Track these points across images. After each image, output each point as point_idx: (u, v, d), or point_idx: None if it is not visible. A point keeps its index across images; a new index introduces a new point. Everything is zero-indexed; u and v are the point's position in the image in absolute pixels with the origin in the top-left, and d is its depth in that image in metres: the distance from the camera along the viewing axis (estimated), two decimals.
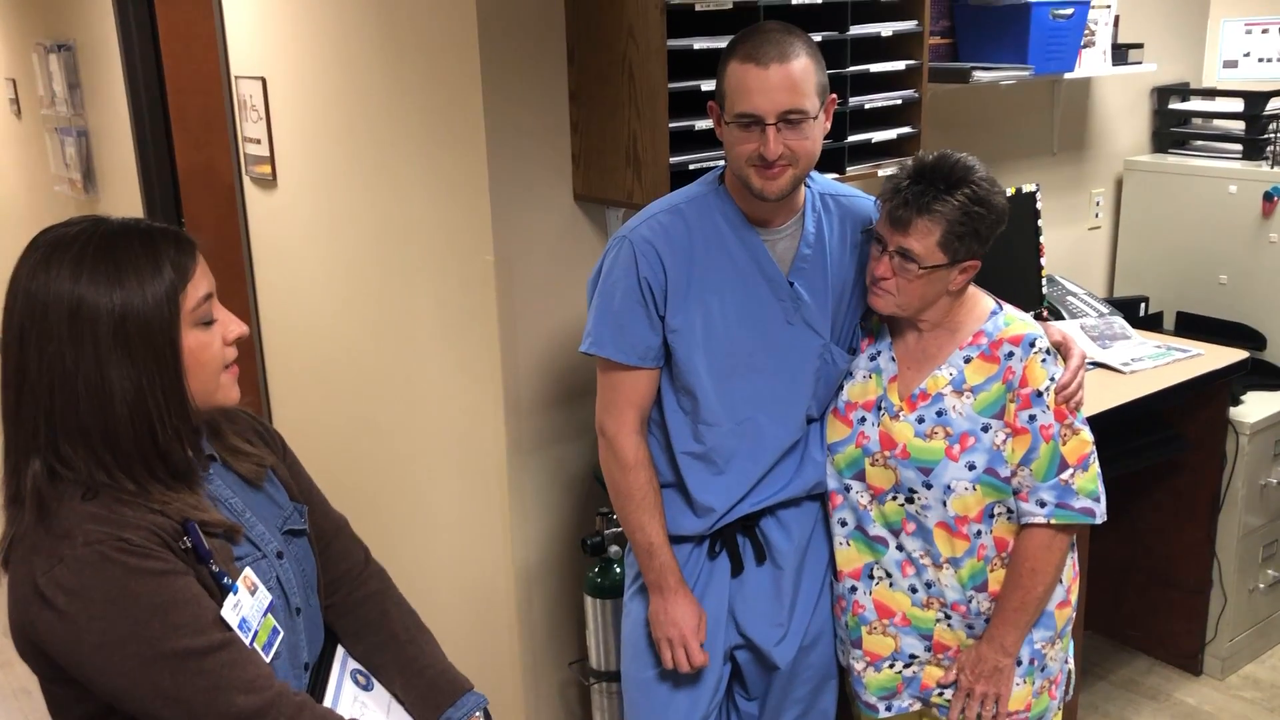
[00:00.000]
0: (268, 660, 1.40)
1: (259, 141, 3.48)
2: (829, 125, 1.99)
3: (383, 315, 3.06)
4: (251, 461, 1.53)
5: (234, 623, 1.36)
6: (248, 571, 1.42)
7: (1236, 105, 3.75)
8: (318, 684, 1.57)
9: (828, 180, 2.16)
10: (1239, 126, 3.75)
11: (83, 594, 1.26)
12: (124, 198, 4.74)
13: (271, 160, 3.44)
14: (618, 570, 2.57)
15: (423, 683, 1.68)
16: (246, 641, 1.37)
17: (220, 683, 1.31)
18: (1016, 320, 2.04)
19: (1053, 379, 1.98)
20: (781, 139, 1.88)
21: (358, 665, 1.68)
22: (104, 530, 1.29)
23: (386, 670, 1.68)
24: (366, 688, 1.64)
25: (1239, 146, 3.74)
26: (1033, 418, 1.97)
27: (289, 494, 1.60)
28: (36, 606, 1.28)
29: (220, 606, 1.35)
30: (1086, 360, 2.11)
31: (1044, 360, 1.99)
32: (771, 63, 1.86)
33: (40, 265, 1.32)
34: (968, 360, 2.02)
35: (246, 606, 1.39)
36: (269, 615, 1.43)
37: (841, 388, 2.15)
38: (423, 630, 1.74)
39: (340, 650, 1.67)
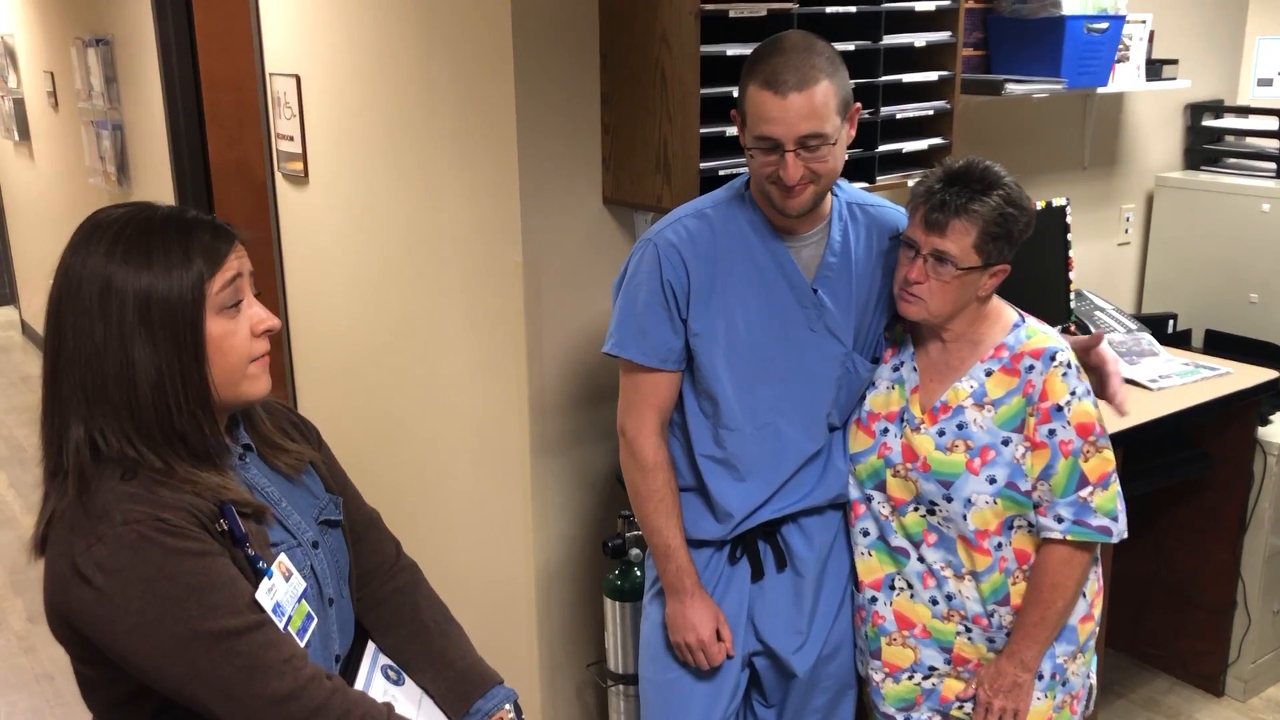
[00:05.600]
0: (301, 646, 1.41)
1: (292, 138, 3.51)
2: (854, 133, 1.98)
3: (410, 313, 3.07)
4: (290, 457, 1.55)
5: (268, 606, 1.37)
6: (282, 557, 1.43)
7: (1271, 123, 3.73)
8: (348, 677, 1.57)
9: (855, 189, 2.16)
10: (1273, 145, 3.72)
11: (120, 573, 1.28)
12: (157, 191, 4.78)
13: (304, 157, 3.47)
14: (638, 573, 2.57)
15: (452, 674, 1.68)
16: (280, 626, 1.38)
17: (255, 663, 1.32)
18: (1038, 333, 2.03)
19: (1074, 393, 1.97)
20: (801, 162, 1.89)
21: (388, 661, 1.68)
22: (142, 510, 1.31)
23: (416, 662, 1.69)
24: (397, 682, 1.65)
25: (1273, 165, 3.71)
26: (1052, 432, 1.96)
27: (325, 486, 1.62)
28: (74, 585, 1.29)
29: (255, 590, 1.36)
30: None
31: (1064, 374, 1.97)
32: (790, 92, 1.84)
33: (81, 242, 1.37)
34: (989, 373, 2.02)
35: (281, 591, 1.40)
36: (303, 601, 1.44)
37: (864, 398, 2.15)
38: (453, 623, 1.75)
39: (371, 645, 1.68)
